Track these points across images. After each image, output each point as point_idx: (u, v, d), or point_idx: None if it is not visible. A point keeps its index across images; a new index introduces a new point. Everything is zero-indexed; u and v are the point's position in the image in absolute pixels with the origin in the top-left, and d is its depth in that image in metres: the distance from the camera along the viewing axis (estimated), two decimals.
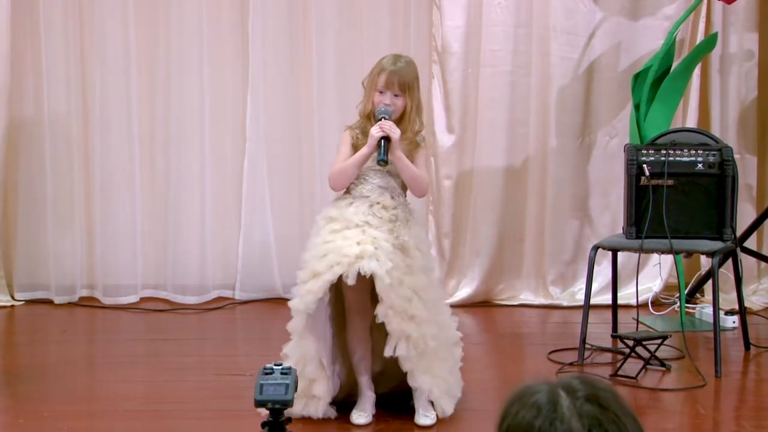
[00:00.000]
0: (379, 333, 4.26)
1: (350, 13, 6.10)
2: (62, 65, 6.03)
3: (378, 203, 4.14)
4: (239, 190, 6.17)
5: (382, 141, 4.05)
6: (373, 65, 4.29)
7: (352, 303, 4.17)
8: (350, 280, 3.99)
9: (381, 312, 4.01)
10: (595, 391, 1.63)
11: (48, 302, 6.08)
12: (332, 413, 4.15)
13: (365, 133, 4.15)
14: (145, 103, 6.12)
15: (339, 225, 4.10)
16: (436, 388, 4.14)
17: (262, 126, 6.12)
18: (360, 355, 4.21)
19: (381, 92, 4.15)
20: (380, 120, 4.10)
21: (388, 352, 4.06)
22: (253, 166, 6.14)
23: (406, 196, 4.25)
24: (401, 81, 4.14)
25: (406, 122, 4.17)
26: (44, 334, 5.65)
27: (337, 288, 4.14)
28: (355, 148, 4.18)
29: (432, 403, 4.17)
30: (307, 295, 4.03)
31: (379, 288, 3.98)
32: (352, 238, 4.04)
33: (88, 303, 6.10)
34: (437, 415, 4.15)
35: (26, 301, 6.11)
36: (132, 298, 6.13)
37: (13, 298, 6.09)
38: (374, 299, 4.12)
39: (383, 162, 4.06)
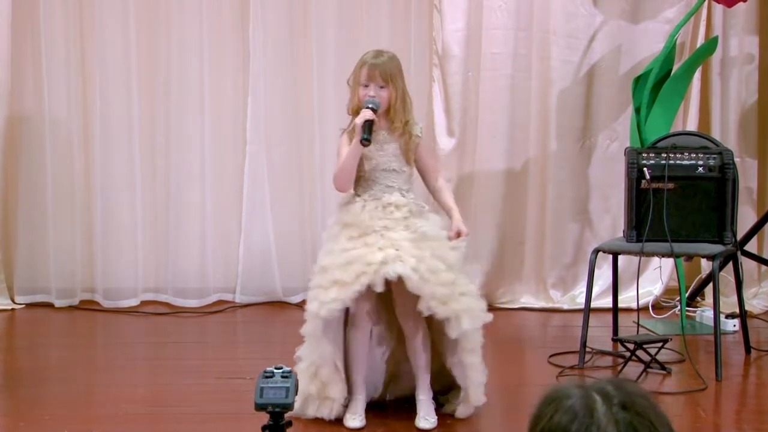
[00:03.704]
0: (392, 337, 4.29)
1: (350, 17, 6.10)
2: (63, 67, 6.03)
3: (390, 204, 4.16)
4: (240, 193, 6.17)
5: (366, 124, 4.10)
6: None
7: (362, 307, 4.17)
8: (378, 288, 4.04)
9: (424, 306, 4.05)
10: (631, 397, 1.64)
11: (48, 305, 6.07)
12: (342, 414, 4.19)
13: None
14: (146, 106, 6.12)
15: (356, 231, 4.12)
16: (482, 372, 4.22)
17: (263, 129, 6.12)
18: (361, 356, 4.23)
19: (365, 86, 4.19)
20: (365, 108, 4.14)
21: (453, 333, 4.08)
22: (253, 170, 6.14)
23: (412, 190, 4.28)
24: (383, 72, 4.18)
25: (392, 113, 4.22)
26: (45, 337, 5.64)
27: None
28: None
29: (441, 397, 4.24)
30: (332, 303, 4.05)
31: (411, 287, 4.03)
32: (373, 245, 4.07)
33: (89, 306, 6.09)
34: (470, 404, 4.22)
35: (26, 304, 6.11)
36: (132, 302, 6.12)
37: (13, 301, 6.09)
38: (384, 302, 4.19)
39: (366, 141, 4.09)
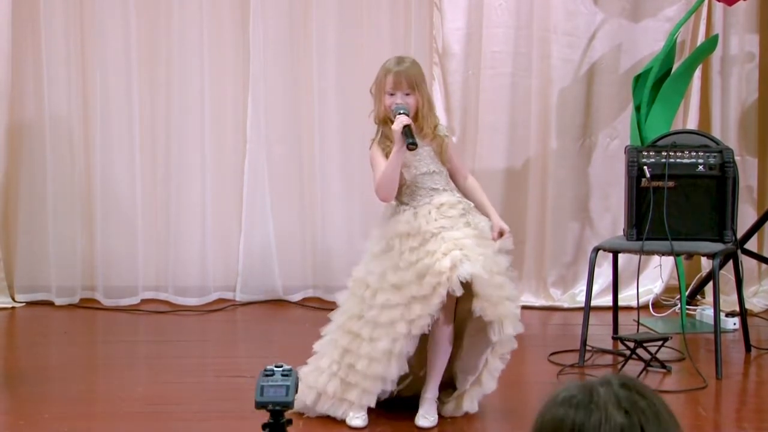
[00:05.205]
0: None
1: (351, 15, 6.10)
2: (63, 67, 6.03)
3: (443, 204, 4.12)
4: (240, 191, 6.17)
5: (406, 128, 4.04)
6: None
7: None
8: (458, 292, 3.98)
9: (477, 306, 4.02)
10: (631, 381, 1.65)
11: (49, 304, 6.08)
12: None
13: (390, 138, 4.13)
14: (146, 104, 6.12)
15: (416, 241, 4.06)
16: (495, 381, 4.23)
17: (263, 127, 6.12)
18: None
19: (391, 94, 4.15)
20: (398, 115, 4.08)
21: (495, 337, 4.07)
22: (253, 168, 6.14)
23: (454, 189, 4.26)
24: (409, 79, 4.15)
25: (421, 119, 4.18)
26: (45, 336, 5.65)
27: None
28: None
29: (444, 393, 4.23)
30: (419, 319, 4.01)
31: (479, 286, 3.99)
32: (436, 251, 4.01)
33: (89, 305, 6.09)
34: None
35: (27, 302, 6.11)
36: (133, 300, 6.12)
37: (13, 299, 6.09)
38: None
39: (413, 145, 4.02)
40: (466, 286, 4.00)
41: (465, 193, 4.29)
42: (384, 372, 4.07)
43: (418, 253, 4.04)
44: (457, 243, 4.02)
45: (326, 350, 4.21)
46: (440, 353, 4.17)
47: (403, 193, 4.17)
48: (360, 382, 4.11)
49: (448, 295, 4.00)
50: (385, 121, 4.18)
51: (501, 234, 4.17)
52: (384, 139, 4.18)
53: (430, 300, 3.99)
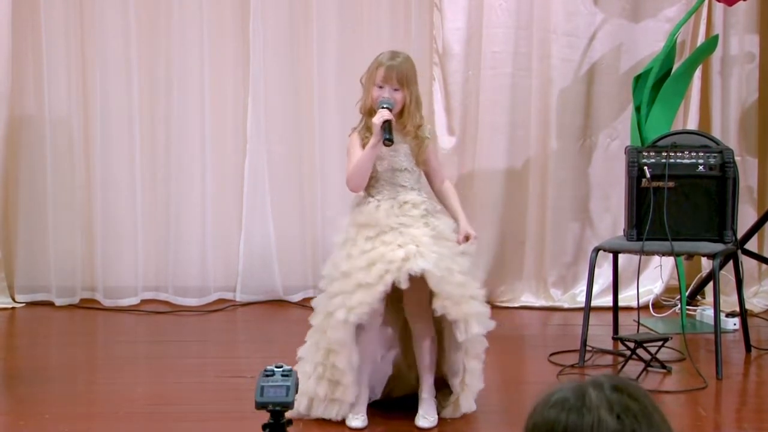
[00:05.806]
0: (396, 338, 4.30)
1: (351, 15, 6.10)
2: (63, 66, 6.03)
3: (407, 202, 4.14)
4: (240, 191, 6.17)
5: (385, 124, 4.06)
6: None
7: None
8: (403, 285, 3.99)
9: (438, 305, 4.01)
10: (622, 383, 1.65)
11: (49, 304, 6.08)
12: (348, 413, 4.17)
13: (371, 130, 4.14)
14: (146, 104, 6.12)
15: (373, 231, 4.09)
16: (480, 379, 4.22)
17: (263, 127, 6.12)
18: (368, 356, 4.21)
19: (380, 87, 4.17)
20: (380, 109, 4.10)
21: (462, 336, 4.05)
22: (254, 168, 6.14)
23: (423, 190, 4.26)
24: (399, 75, 4.16)
25: (406, 116, 4.19)
26: (45, 336, 5.64)
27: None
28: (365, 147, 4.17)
29: (438, 397, 4.22)
30: (359, 306, 4.01)
31: (433, 283, 3.99)
32: (392, 242, 4.03)
33: (89, 305, 6.09)
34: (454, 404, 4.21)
35: (27, 303, 6.11)
36: (133, 300, 6.12)
37: (13, 300, 6.09)
38: (390, 303, 4.16)
39: (389, 141, 4.04)
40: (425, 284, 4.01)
41: (439, 197, 4.33)
42: (337, 362, 4.07)
43: (374, 243, 4.06)
44: (414, 239, 4.05)
45: (309, 354, 4.20)
46: (424, 351, 4.18)
47: (372, 185, 4.19)
48: (341, 378, 4.11)
49: (416, 289, 4.00)
50: (370, 112, 4.19)
51: (467, 238, 4.18)
52: (365, 130, 4.20)
53: (373, 288, 3.99)
